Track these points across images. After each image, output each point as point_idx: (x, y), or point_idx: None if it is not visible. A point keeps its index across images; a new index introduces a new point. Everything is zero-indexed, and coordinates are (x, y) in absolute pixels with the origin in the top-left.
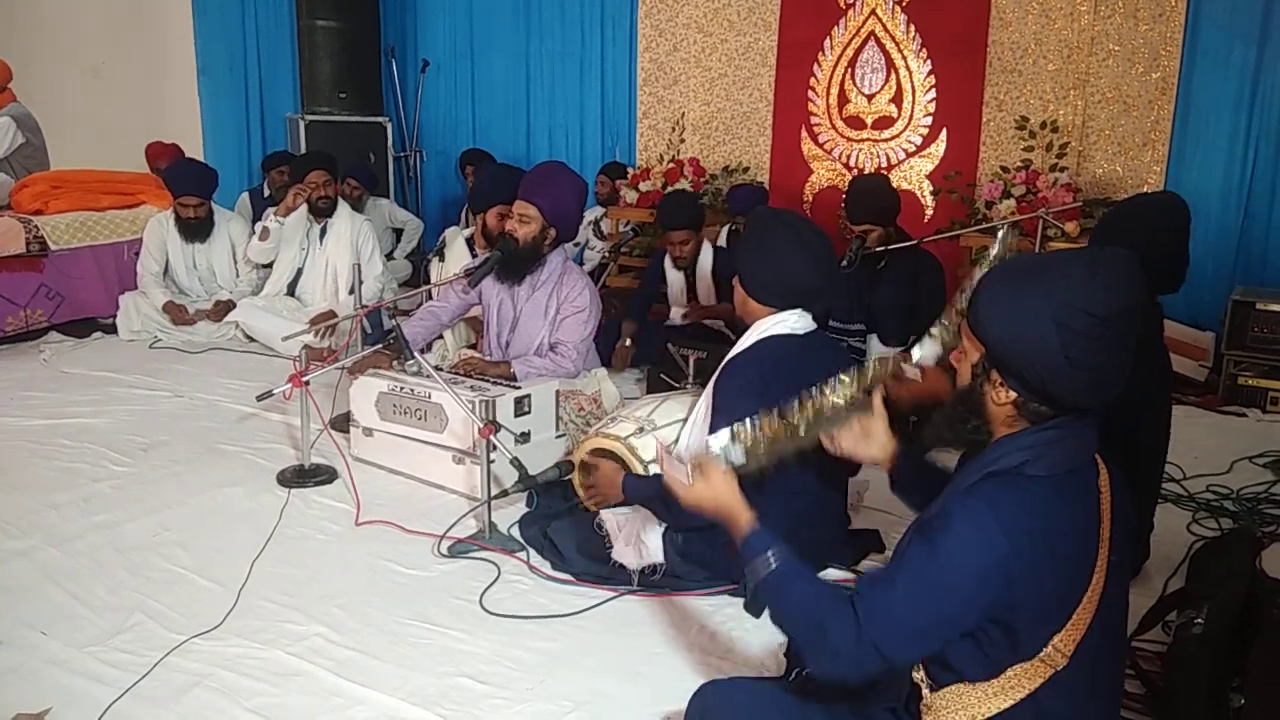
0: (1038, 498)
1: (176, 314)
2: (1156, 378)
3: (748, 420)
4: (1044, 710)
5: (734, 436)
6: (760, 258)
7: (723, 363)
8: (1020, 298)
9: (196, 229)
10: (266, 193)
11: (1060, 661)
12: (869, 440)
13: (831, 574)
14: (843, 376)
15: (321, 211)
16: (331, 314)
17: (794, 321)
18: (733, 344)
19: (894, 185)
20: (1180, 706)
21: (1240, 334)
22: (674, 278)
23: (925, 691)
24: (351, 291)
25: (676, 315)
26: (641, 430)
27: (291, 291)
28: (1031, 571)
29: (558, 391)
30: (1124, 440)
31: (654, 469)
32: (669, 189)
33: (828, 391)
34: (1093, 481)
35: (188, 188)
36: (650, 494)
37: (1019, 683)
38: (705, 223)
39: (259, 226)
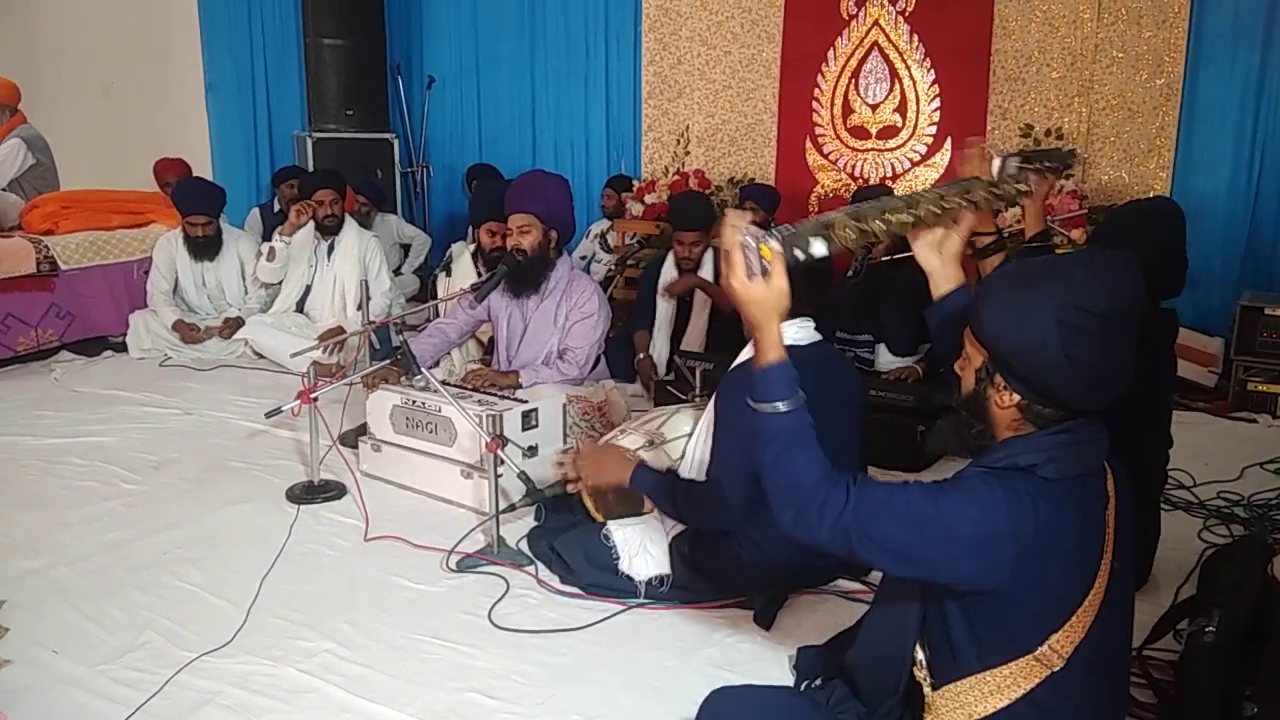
0: (1048, 495)
1: (186, 332)
2: (1162, 379)
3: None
4: (1045, 710)
5: (829, 238)
6: None
7: (726, 374)
8: (1021, 300)
9: (205, 247)
10: (277, 208)
11: (1057, 663)
12: (939, 251)
13: (842, 584)
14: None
15: (328, 229)
16: (340, 330)
17: (794, 332)
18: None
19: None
20: (1192, 715)
21: (1249, 339)
22: (663, 308)
23: (926, 690)
24: (359, 307)
25: (658, 345)
26: (651, 443)
27: (300, 308)
28: (1032, 563)
29: (564, 405)
30: (1129, 447)
31: None
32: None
33: (920, 200)
34: (1102, 487)
35: (195, 207)
36: (658, 487)
37: (1015, 681)
38: (716, 225)
39: (265, 247)
